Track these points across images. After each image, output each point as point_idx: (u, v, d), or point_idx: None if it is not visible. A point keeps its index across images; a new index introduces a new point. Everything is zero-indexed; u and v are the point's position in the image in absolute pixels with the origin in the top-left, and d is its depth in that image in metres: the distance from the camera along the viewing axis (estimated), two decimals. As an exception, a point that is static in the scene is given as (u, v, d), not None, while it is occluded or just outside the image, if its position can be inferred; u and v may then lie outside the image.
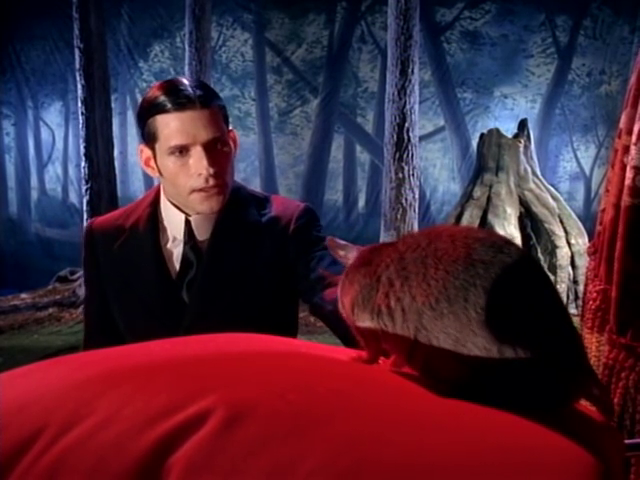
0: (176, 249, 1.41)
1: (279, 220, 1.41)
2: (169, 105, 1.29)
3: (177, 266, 1.40)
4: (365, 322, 0.68)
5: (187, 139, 1.29)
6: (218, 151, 1.33)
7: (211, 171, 1.29)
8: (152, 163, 1.38)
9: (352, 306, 0.70)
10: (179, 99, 1.30)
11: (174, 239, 1.42)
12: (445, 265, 0.62)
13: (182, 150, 1.30)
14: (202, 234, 1.40)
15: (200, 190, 1.32)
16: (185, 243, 1.40)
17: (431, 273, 0.62)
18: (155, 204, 1.45)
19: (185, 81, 1.34)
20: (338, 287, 0.76)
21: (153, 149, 1.35)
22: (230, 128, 1.42)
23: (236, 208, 1.41)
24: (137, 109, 1.40)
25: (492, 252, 0.62)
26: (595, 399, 0.68)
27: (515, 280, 0.62)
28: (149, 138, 1.35)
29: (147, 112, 1.33)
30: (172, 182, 1.35)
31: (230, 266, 1.39)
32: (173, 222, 1.41)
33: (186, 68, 5.32)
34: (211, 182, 1.31)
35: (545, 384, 0.62)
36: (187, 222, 1.39)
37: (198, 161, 1.30)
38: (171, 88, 1.32)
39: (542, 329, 0.62)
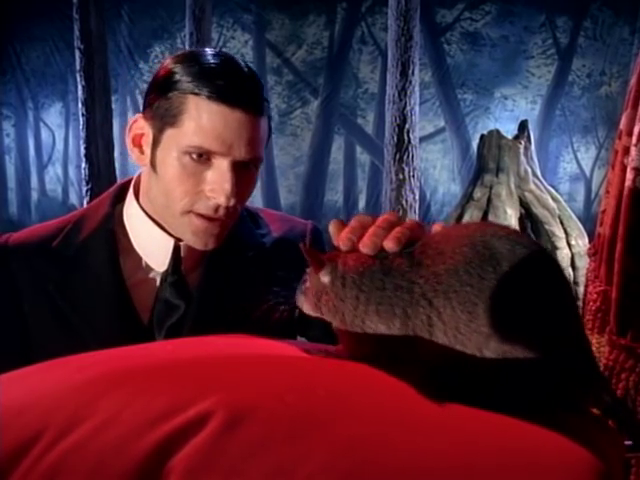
0: (148, 281, 1.01)
1: (286, 244, 1.05)
2: (214, 91, 0.90)
3: (150, 305, 1.00)
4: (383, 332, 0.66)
5: (220, 146, 0.90)
6: (247, 173, 0.96)
7: (231, 201, 0.92)
8: (146, 145, 0.97)
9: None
10: (234, 90, 0.91)
11: (147, 268, 1.01)
12: (479, 271, 0.61)
13: (203, 155, 0.92)
14: (191, 264, 1.01)
15: (200, 216, 0.95)
16: (165, 277, 0.99)
17: (475, 282, 0.61)
18: (112, 216, 1.02)
19: (242, 66, 0.95)
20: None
21: (160, 132, 0.94)
22: None
23: (233, 229, 1.02)
24: (159, 70, 0.96)
25: (509, 245, 0.62)
26: (606, 408, 0.67)
27: (532, 275, 0.63)
28: (163, 117, 0.93)
29: (176, 85, 0.92)
30: (166, 189, 0.95)
31: (231, 306, 1.00)
32: (151, 247, 1.00)
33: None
34: (221, 213, 0.94)
35: (554, 388, 0.62)
36: (175, 249, 0.99)
37: (219, 180, 0.92)
38: (222, 68, 0.93)
39: (560, 332, 0.63)
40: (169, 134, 0.93)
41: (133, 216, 1.02)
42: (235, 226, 1.03)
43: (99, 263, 0.99)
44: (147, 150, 0.97)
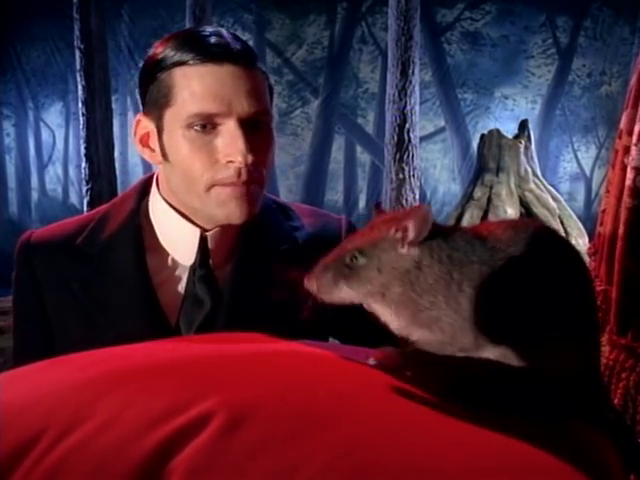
0: (175, 279, 0.96)
1: (321, 239, 0.97)
2: (198, 53, 0.87)
3: (178, 304, 0.95)
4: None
5: (220, 106, 0.86)
6: (260, 133, 0.91)
7: (249, 159, 0.87)
8: (153, 142, 0.94)
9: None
10: (213, 47, 0.87)
11: (174, 265, 0.96)
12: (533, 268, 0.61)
13: (207, 124, 0.87)
14: (220, 257, 0.96)
15: (226, 185, 0.89)
16: (194, 271, 0.95)
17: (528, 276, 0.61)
18: (137, 212, 0.99)
19: (219, 29, 0.92)
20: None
21: (160, 119, 0.91)
22: None
23: (263, 221, 0.97)
24: (142, 66, 0.95)
25: (541, 243, 0.62)
26: (608, 424, 0.67)
27: (574, 282, 0.63)
28: (157, 102, 0.90)
29: (159, 64, 0.90)
30: (183, 171, 0.90)
31: (264, 304, 0.94)
32: (177, 240, 0.96)
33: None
34: (244, 176, 0.88)
35: (557, 399, 0.62)
36: (202, 240, 0.94)
37: (230, 141, 0.87)
38: (199, 34, 0.90)
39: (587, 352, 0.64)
40: (168, 116, 0.90)
41: (158, 209, 0.98)
42: (264, 218, 0.97)
43: (124, 262, 0.95)
44: (156, 146, 0.94)
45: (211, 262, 0.96)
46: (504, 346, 0.61)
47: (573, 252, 0.65)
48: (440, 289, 0.60)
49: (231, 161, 0.88)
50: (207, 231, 0.95)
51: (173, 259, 0.97)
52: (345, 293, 0.64)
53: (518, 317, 0.60)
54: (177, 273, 0.96)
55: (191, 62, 0.87)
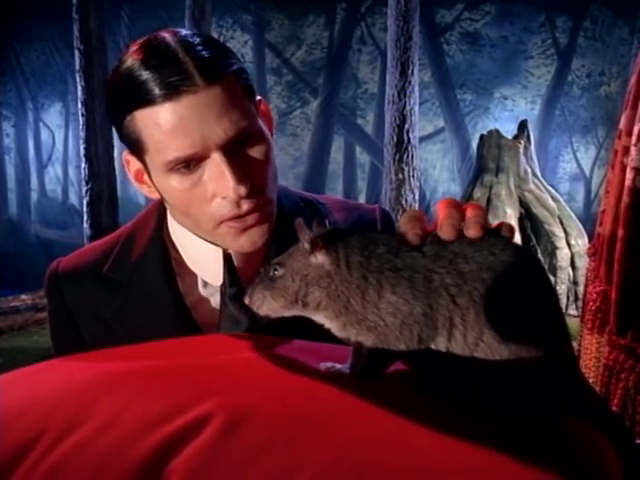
0: (208, 299, 0.92)
1: None
2: (155, 90, 0.76)
3: (214, 323, 0.90)
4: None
5: (193, 145, 0.78)
6: (249, 146, 0.82)
7: (242, 191, 0.79)
8: (147, 179, 0.87)
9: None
10: (169, 77, 0.76)
11: (204, 285, 0.92)
12: (500, 278, 0.61)
13: (190, 164, 0.80)
14: (250, 272, 0.88)
15: (231, 219, 0.83)
16: (224, 291, 0.89)
17: (489, 285, 0.61)
18: (160, 232, 0.94)
19: (170, 40, 0.79)
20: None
21: (143, 162, 0.85)
22: (258, 98, 0.87)
23: (293, 224, 0.86)
24: (105, 102, 0.86)
25: (506, 251, 0.62)
26: (592, 412, 0.67)
27: (539, 285, 0.64)
28: (132, 146, 0.84)
29: (121, 102, 0.81)
30: (183, 213, 0.86)
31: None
32: (202, 261, 0.91)
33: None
34: (246, 206, 0.81)
35: (541, 392, 0.62)
36: (227, 259, 0.89)
37: (218, 177, 0.79)
38: (155, 56, 0.78)
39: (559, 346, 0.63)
40: (148, 160, 0.83)
41: (177, 230, 0.92)
42: (294, 220, 0.90)
43: (155, 286, 0.91)
44: (150, 182, 0.88)
45: (242, 278, 0.90)
46: (448, 344, 0.61)
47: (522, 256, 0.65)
48: (353, 294, 0.63)
49: (225, 197, 0.81)
50: (228, 249, 0.90)
51: (203, 279, 0.92)
52: (272, 305, 0.66)
53: (462, 317, 0.61)
54: (209, 292, 0.92)
55: (148, 103, 0.77)
